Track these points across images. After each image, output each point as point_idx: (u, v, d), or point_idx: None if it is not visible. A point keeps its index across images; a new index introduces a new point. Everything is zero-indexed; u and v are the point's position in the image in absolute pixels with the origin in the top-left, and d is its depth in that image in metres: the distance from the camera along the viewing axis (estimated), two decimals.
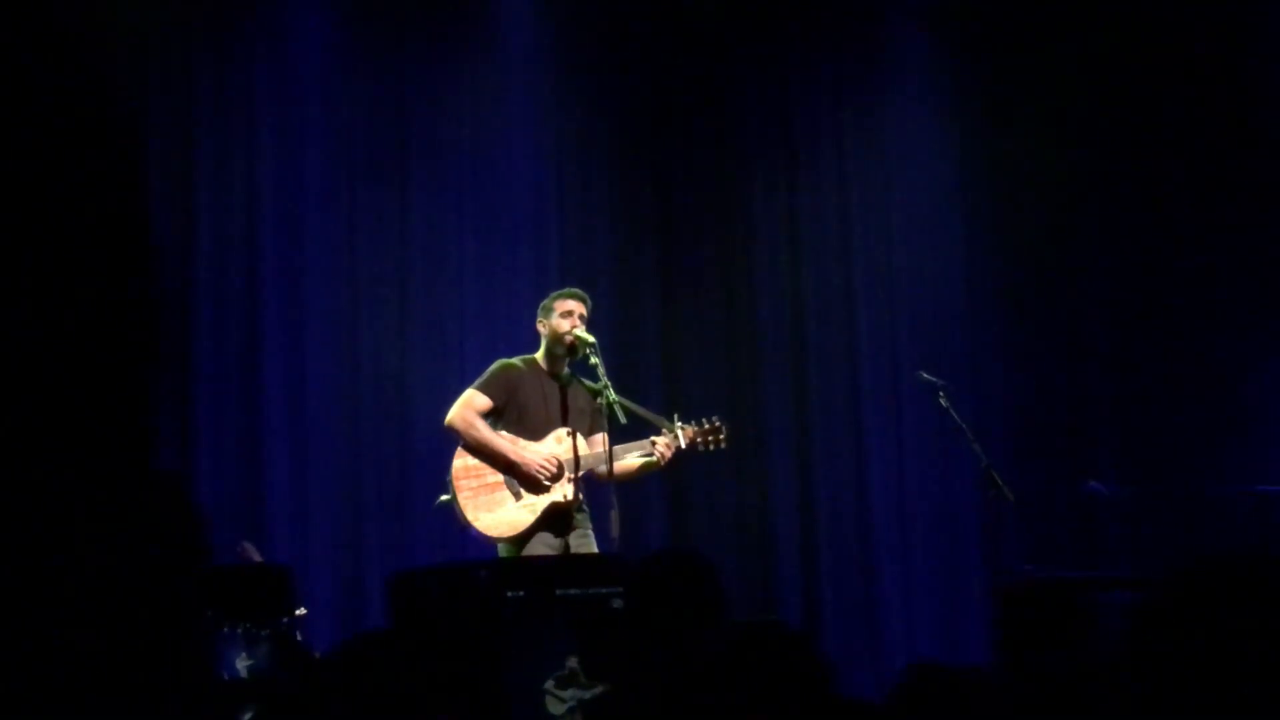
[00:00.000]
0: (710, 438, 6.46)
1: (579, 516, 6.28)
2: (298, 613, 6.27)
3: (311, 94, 8.17)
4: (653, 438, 6.34)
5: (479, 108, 8.46)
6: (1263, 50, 8.57)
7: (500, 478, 6.23)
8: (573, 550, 6.16)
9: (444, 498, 6.29)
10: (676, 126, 8.78)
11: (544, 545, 6.13)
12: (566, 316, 6.39)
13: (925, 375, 6.99)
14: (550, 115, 8.60)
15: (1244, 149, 8.60)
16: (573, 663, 3.62)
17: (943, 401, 6.83)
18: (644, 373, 8.29)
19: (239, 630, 3.94)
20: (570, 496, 6.15)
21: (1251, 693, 1.56)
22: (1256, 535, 7.29)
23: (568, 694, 3.58)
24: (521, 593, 3.71)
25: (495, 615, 3.41)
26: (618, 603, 3.64)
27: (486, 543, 6.24)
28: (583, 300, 6.46)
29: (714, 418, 6.49)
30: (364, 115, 8.29)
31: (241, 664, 3.89)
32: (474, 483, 6.22)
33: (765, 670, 2.38)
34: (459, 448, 6.30)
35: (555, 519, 6.18)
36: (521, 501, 6.20)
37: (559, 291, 6.56)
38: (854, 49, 8.97)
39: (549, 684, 3.60)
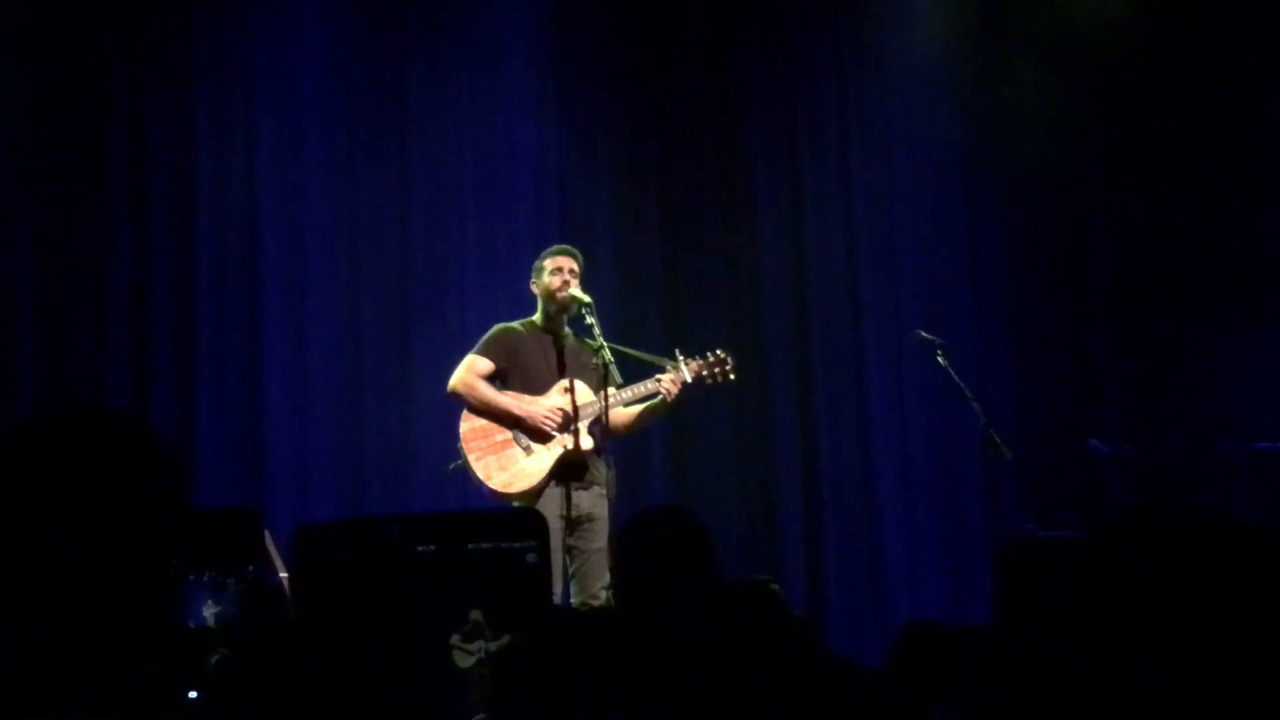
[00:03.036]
0: (717, 369, 6.47)
1: (596, 473, 6.26)
2: None
3: (311, 63, 8.18)
4: (658, 376, 6.35)
5: (479, 73, 8.43)
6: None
7: (508, 435, 6.26)
8: (586, 510, 6.17)
9: (456, 463, 6.31)
10: (677, 86, 8.73)
11: (556, 503, 6.11)
12: (556, 273, 6.39)
13: (923, 333, 7.00)
14: (550, 79, 8.57)
15: (1248, 113, 8.57)
16: (477, 615, 3.63)
17: (941, 360, 6.83)
18: (646, 334, 8.27)
19: (205, 578, 3.95)
20: (572, 445, 6.15)
21: (1182, 651, 1.56)
22: (1255, 493, 7.30)
23: (474, 646, 3.59)
24: (433, 547, 3.72)
25: (405, 570, 3.43)
26: (532, 557, 3.65)
27: (502, 501, 6.25)
28: (573, 256, 6.46)
29: (718, 350, 6.50)
30: (363, 83, 8.28)
31: (209, 611, 3.90)
32: (483, 443, 6.25)
33: (738, 628, 2.39)
34: (464, 411, 6.32)
35: (568, 469, 6.16)
36: (532, 455, 6.22)
37: (550, 249, 6.57)
38: (858, 4, 8.92)
39: (455, 638, 3.60)
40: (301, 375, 7.98)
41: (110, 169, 7.85)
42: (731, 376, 6.52)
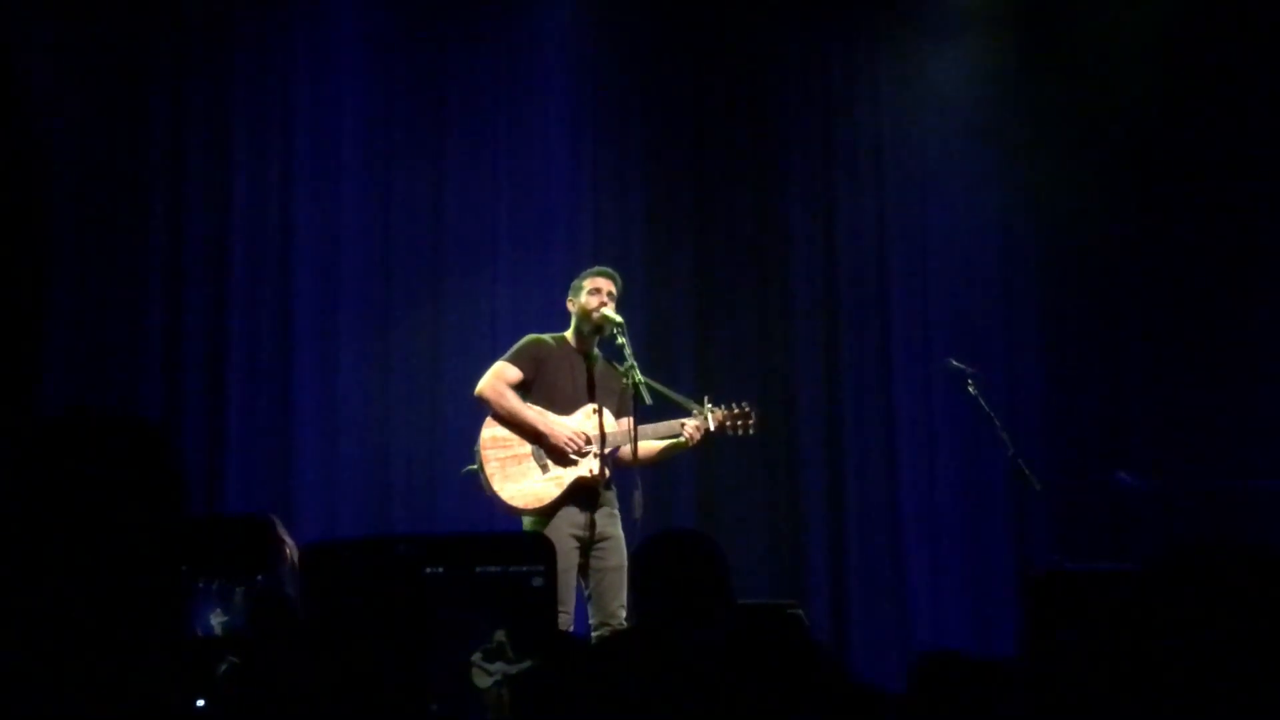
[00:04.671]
0: (740, 422, 6.45)
1: (606, 495, 6.26)
2: None
3: (348, 70, 8.22)
4: (682, 420, 6.33)
5: (515, 85, 8.46)
6: None
7: (528, 449, 6.23)
8: (599, 530, 6.15)
9: (471, 466, 6.29)
10: (713, 104, 8.75)
11: (569, 523, 6.12)
12: (595, 294, 6.39)
13: (955, 362, 6.98)
14: (586, 92, 8.60)
15: None
16: (500, 636, 3.61)
17: (971, 389, 6.81)
18: (676, 356, 8.29)
19: (214, 586, 3.94)
20: (595, 472, 6.15)
21: (1226, 678, 1.54)
22: None
23: (494, 667, 3.57)
24: (440, 569, 3.72)
25: (413, 590, 3.41)
26: (538, 581, 3.63)
27: (511, 514, 6.23)
28: (613, 279, 6.46)
29: (743, 403, 6.48)
30: (400, 92, 8.32)
31: (216, 620, 3.88)
32: (502, 453, 6.22)
33: (756, 653, 2.36)
34: (488, 417, 6.30)
35: (582, 494, 6.17)
36: (548, 474, 6.19)
37: (590, 269, 6.56)
38: (893, 11, 8.91)
39: (476, 656, 3.58)
40: (331, 385, 8.00)
41: (148, 177, 7.88)
42: (752, 432, 6.51)
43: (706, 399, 6.45)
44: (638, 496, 6.27)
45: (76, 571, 1.67)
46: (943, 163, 8.79)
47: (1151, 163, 8.69)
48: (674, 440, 6.36)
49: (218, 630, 3.79)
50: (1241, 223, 8.52)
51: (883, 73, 8.90)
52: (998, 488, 8.18)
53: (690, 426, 6.32)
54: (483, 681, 3.53)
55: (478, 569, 3.71)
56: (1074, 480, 8.17)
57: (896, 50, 8.87)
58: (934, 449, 8.59)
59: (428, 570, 3.54)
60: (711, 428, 6.37)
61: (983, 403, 6.77)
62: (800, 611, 5.85)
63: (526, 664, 3.47)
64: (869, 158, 8.87)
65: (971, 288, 8.73)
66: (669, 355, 8.15)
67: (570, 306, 6.50)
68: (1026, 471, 6.60)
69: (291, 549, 5.94)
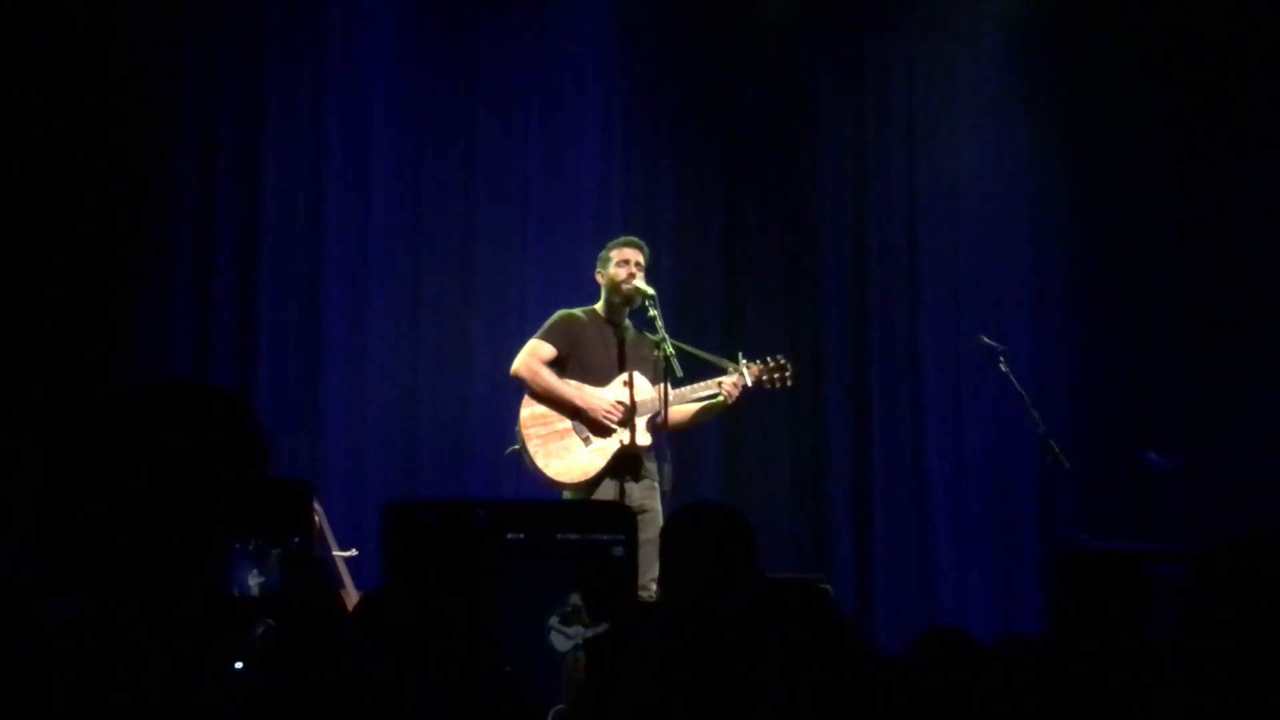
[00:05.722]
0: (776, 375, 6.45)
1: (649, 467, 6.27)
2: (349, 553, 6.28)
3: (380, 45, 8.20)
4: (719, 379, 6.34)
5: (546, 58, 8.44)
6: None
7: (568, 424, 6.25)
8: (637, 503, 6.13)
9: (513, 447, 6.30)
10: (744, 78, 8.70)
11: (607, 495, 6.12)
12: (623, 265, 6.39)
13: (986, 339, 6.96)
14: (617, 61, 8.57)
15: None
16: (576, 599, 3.62)
17: (1003, 366, 6.80)
18: (705, 327, 8.25)
19: (250, 547, 3.96)
20: (629, 441, 6.15)
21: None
22: None
23: (572, 631, 3.58)
24: (521, 535, 3.73)
25: (493, 553, 3.42)
26: (619, 550, 3.63)
27: (555, 489, 6.24)
28: (640, 249, 6.45)
29: (778, 356, 6.47)
30: (431, 67, 8.29)
31: (253, 581, 3.91)
32: (543, 430, 6.23)
33: (781, 625, 2.36)
34: (526, 396, 6.31)
35: (625, 463, 6.17)
36: (591, 446, 6.21)
37: (617, 240, 6.56)
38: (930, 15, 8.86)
39: (554, 620, 3.59)
40: (360, 356, 7.99)
41: (179, 146, 7.85)
42: (789, 383, 6.51)
43: (741, 355, 6.44)
44: (666, 469, 6.29)
45: (146, 533, 1.67)
46: (974, 135, 8.73)
47: (1187, 135, 8.62)
48: (712, 400, 6.36)
49: (255, 591, 3.81)
50: (1274, 202, 8.44)
51: (916, 37, 8.84)
52: (1026, 466, 8.15)
53: (728, 384, 6.32)
54: (562, 645, 3.54)
55: (558, 536, 3.73)
56: (1103, 459, 8.14)
57: (930, 14, 8.81)
58: (962, 425, 8.56)
59: (509, 536, 3.56)
60: (749, 383, 6.37)
61: (1013, 380, 6.75)
62: (828, 587, 5.84)
63: (603, 628, 3.49)
64: (901, 127, 8.81)
65: (1002, 262, 8.69)
66: (698, 325, 8.11)
67: (599, 278, 6.51)
68: (1056, 450, 6.58)
69: (320, 517, 5.97)
